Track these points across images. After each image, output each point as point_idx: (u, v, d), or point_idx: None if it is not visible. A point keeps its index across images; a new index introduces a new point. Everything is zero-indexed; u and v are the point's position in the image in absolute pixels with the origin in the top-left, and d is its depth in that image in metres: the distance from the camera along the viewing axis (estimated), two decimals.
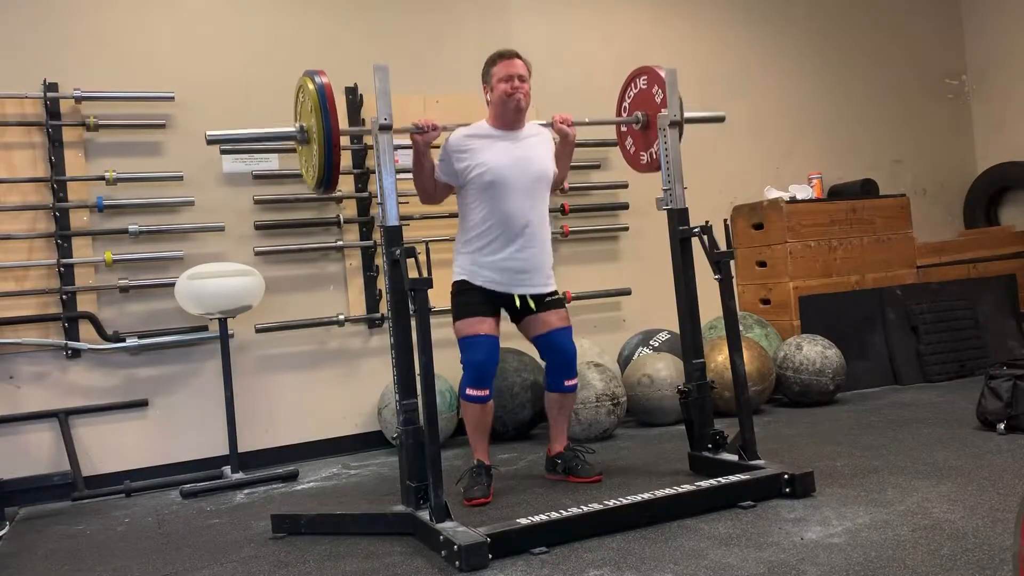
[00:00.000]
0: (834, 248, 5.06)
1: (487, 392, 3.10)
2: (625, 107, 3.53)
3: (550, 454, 3.34)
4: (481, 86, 3.26)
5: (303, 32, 4.42)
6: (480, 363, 3.06)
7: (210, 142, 2.91)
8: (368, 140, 4.35)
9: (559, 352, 3.21)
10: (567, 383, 3.25)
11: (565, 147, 3.35)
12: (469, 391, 3.09)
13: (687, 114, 3.31)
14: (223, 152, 4.14)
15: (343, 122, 4.40)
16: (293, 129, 2.90)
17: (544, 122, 3.33)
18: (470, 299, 3.15)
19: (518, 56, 3.20)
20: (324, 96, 2.72)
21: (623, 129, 3.57)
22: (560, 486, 3.21)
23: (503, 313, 3.24)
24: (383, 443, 4.26)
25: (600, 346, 4.59)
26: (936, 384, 4.79)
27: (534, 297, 3.18)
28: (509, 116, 3.17)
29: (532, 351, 3.50)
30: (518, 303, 3.16)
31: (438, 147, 3.24)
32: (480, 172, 3.11)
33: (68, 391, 3.89)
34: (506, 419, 4.12)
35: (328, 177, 2.78)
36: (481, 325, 3.10)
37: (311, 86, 2.76)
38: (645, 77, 3.39)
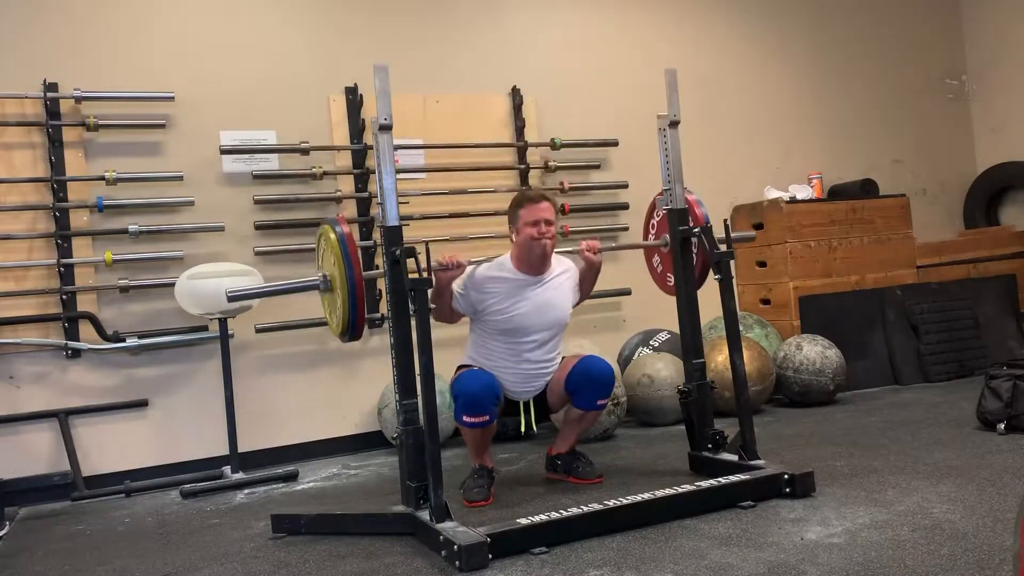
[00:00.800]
0: (834, 248, 5.06)
1: (486, 418, 3.01)
2: (653, 224, 3.50)
3: (551, 453, 3.34)
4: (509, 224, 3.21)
5: (303, 32, 4.42)
6: (474, 390, 2.98)
7: (231, 299, 2.88)
8: (368, 140, 4.35)
9: (595, 373, 3.14)
10: (599, 402, 3.19)
11: (590, 272, 3.31)
12: (466, 418, 3.00)
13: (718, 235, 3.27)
14: (223, 152, 4.14)
15: (342, 123, 4.42)
16: (316, 279, 2.86)
17: (570, 249, 3.29)
18: (475, 367, 3.18)
19: (546, 198, 3.14)
20: (346, 246, 2.69)
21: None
22: (560, 486, 3.20)
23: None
24: (383, 443, 4.26)
25: (600, 346, 4.59)
26: (936, 384, 4.79)
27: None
28: (535, 261, 3.13)
29: None
30: (521, 408, 3.23)
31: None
32: (498, 318, 3.12)
33: (68, 391, 3.89)
34: (506, 419, 4.10)
35: (354, 326, 2.73)
36: (481, 369, 3.11)
37: (332, 236, 2.73)
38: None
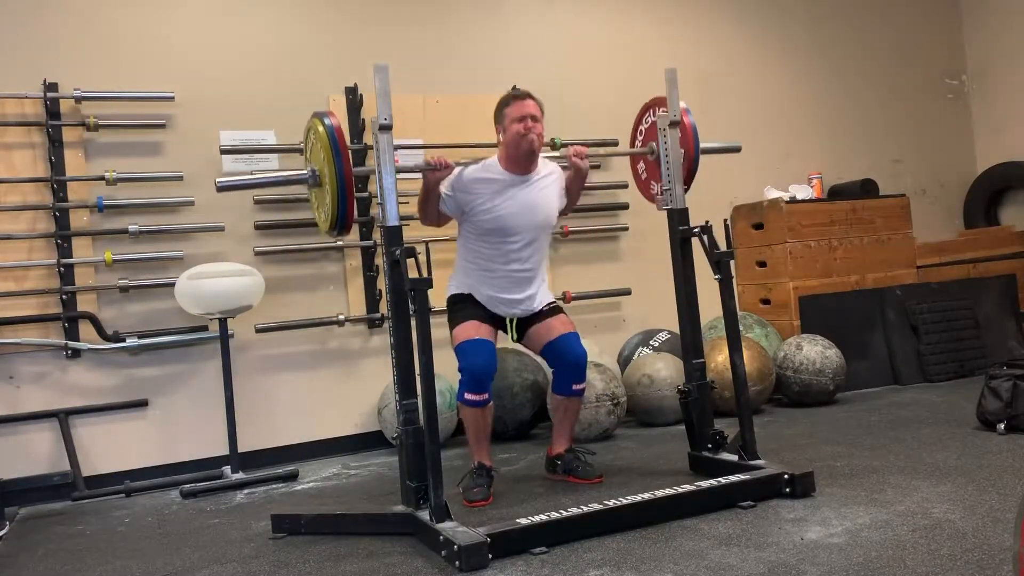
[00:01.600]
0: (834, 248, 5.06)
1: (486, 396, 3.07)
2: (641, 131, 3.50)
3: (550, 454, 3.34)
4: (494, 127, 3.23)
5: (303, 31, 4.42)
6: (478, 367, 3.03)
7: (220, 189, 2.89)
8: (368, 139, 4.35)
9: (569, 357, 3.19)
10: (575, 387, 3.22)
11: (577, 179, 3.32)
12: (468, 396, 3.06)
13: (703, 144, 3.30)
14: (223, 152, 4.14)
15: (343, 124, 4.41)
16: (305, 172, 2.86)
17: (557, 154, 3.30)
18: (467, 306, 3.19)
19: (531, 96, 3.16)
20: (335, 139, 2.68)
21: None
22: (560, 486, 3.21)
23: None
24: (383, 443, 4.26)
25: (600, 346, 4.59)
26: (936, 384, 4.79)
27: (527, 318, 3.25)
28: (522, 158, 3.14)
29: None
30: (508, 324, 3.24)
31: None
32: (485, 217, 3.13)
33: (68, 391, 3.89)
34: (506, 419, 4.12)
35: (342, 220, 2.75)
36: (478, 330, 3.12)
37: (321, 128, 2.72)
38: (663, 109, 3.30)
